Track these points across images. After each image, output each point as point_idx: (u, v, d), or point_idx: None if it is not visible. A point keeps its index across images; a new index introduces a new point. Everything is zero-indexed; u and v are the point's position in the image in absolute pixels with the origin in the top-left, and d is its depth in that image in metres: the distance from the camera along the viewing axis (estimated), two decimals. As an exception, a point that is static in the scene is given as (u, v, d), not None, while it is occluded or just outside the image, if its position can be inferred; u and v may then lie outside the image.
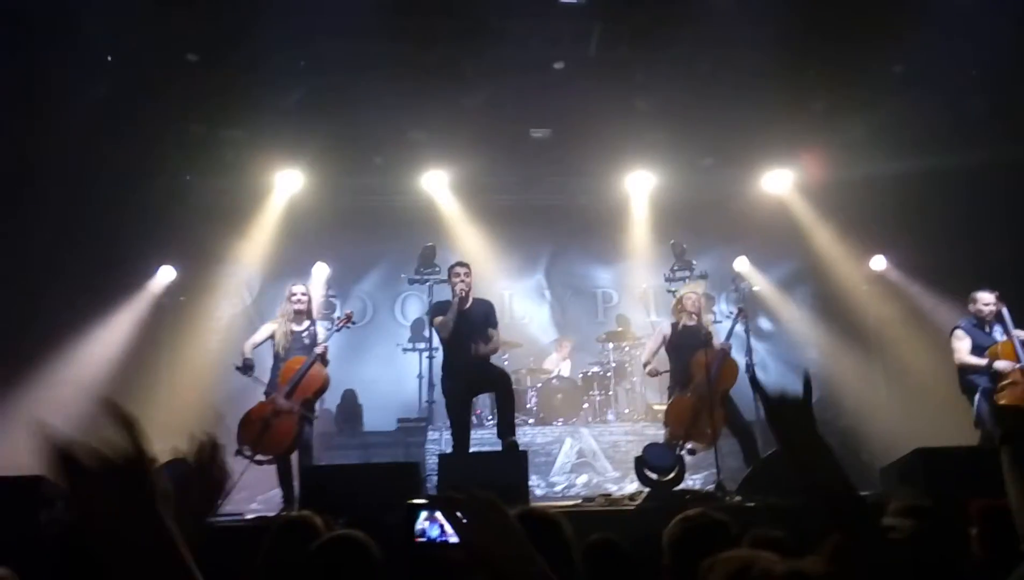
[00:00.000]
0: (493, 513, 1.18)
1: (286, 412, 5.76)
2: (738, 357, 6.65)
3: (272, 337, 6.13)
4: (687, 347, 6.39)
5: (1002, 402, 6.00)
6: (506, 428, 5.85)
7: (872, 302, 9.51)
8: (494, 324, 6.18)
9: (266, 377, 6.07)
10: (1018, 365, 6.05)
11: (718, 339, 6.48)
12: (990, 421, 6.05)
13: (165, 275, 9.09)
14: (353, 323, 6.63)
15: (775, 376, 9.52)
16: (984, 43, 6.76)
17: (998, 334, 6.26)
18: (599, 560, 2.42)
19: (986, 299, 6.30)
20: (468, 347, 6.04)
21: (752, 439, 6.19)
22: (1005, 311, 6.26)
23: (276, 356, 6.09)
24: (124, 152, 7.84)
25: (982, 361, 6.12)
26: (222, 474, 1.42)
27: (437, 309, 6.31)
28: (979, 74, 7.16)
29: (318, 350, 6.01)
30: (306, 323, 6.20)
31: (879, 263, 9.52)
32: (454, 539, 1.20)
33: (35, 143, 7.02)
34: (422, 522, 1.76)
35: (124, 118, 7.46)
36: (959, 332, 6.36)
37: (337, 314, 7.68)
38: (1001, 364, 6.06)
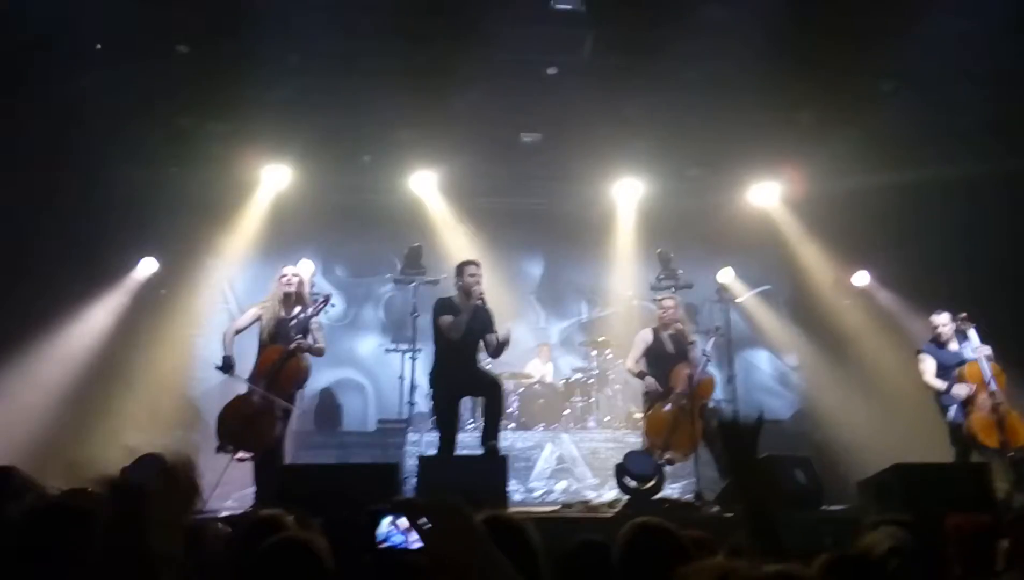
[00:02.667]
0: (458, 518, 1.16)
1: (265, 407, 5.59)
2: (719, 371, 6.69)
3: (259, 320, 5.87)
4: (667, 357, 6.41)
5: (968, 423, 6.08)
6: (490, 433, 5.78)
7: (853, 316, 9.57)
8: (493, 329, 6.04)
9: (248, 373, 5.83)
10: (973, 387, 6.12)
11: (698, 351, 6.49)
12: (961, 440, 6.15)
13: (146, 267, 9.00)
14: (332, 306, 6.26)
15: (747, 391, 9.53)
16: (971, 59, 6.84)
17: (967, 351, 6.32)
18: (586, 563, 2.40)
19: (940, 321, 6.41)
20: (462, 350, 5.90)
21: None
22: (972, 331, 6.32)
23: (261, 343, 5.85)
24: (109, 142, 7.76)
25: (942, 384, 6.21)
26: (191, 488, 1.40)
27: (444, 308, 5.95)
28: (965, 89, 7.24)
29: (292, 346, 5.72)
30: (296, 309, 5.89)
31: (862, 278, 9.60)
32: (418, 544, 1.18)
33: (18, 129, 6.92)
34: (386, 527, 1.74)
35: (111, 107, 7.37)
36: (922, 355, 6.49)
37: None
38: (958, 389, 6.13)
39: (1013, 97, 7.32)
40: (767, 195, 9.62)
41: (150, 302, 8.87)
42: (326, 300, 6.10)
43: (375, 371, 9.76)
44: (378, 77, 7.49)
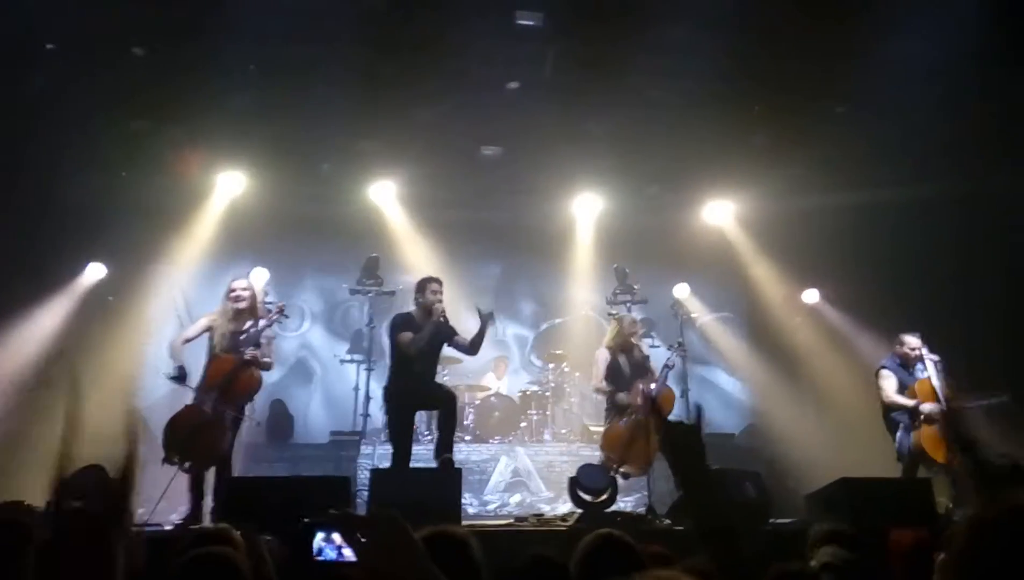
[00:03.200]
0: (395, 532, 1.14)
1: (216, 418, 5.45)
2: (675, 386, 6.75)
3: (209, 331, 5.73)
4: (625, 374, 6.47)
5: (917, 439, 6.27)
6: (444, 447, 5.77)
7: (804, 334, 9.78)
8: (460, 344, 6.11)
9: (196, 381, 5.67)
10: (942, 408, 6.28)
11: (655, 365, 6.55)
12: (909, 455, 6.31)
13: (94, 273, 8.75)
14: (286, 317, 6.14)
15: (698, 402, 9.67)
16: (924, 83, 7.08)
17: (920, 374, 6.56)
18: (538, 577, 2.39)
19: (913, 343, 6.60)
20: (421, 365, 5.93)
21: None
22: (926, 352, 6.55)
23: (211, 354, 5.71)
24: (57, 143, 7.55)
25: (909, 401, 6.39)
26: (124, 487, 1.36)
27: (404, 324, 5.95)
28: (918, 113, 7.50)
29: (246, 358, 5.61)
30: (248, 322, 5.75)
31: (812, 296, 9.83)
32: (352, 558, 1.16)
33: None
34: (319, 541, 1.71)
35: (60, 108, 7.18)
36: (885, 371, 6.65)
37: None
38: (927, 407, 6.31)
39: (964, 120, 7.59)
40: (722, 214, 9.80)
41: (98, 309, 8.62)
42: (280, 310, 5.98)
43: (328, 382, 9.62)
44: (339, 86, 7.45)
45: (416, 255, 9.58)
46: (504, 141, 8.79)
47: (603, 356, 6.59)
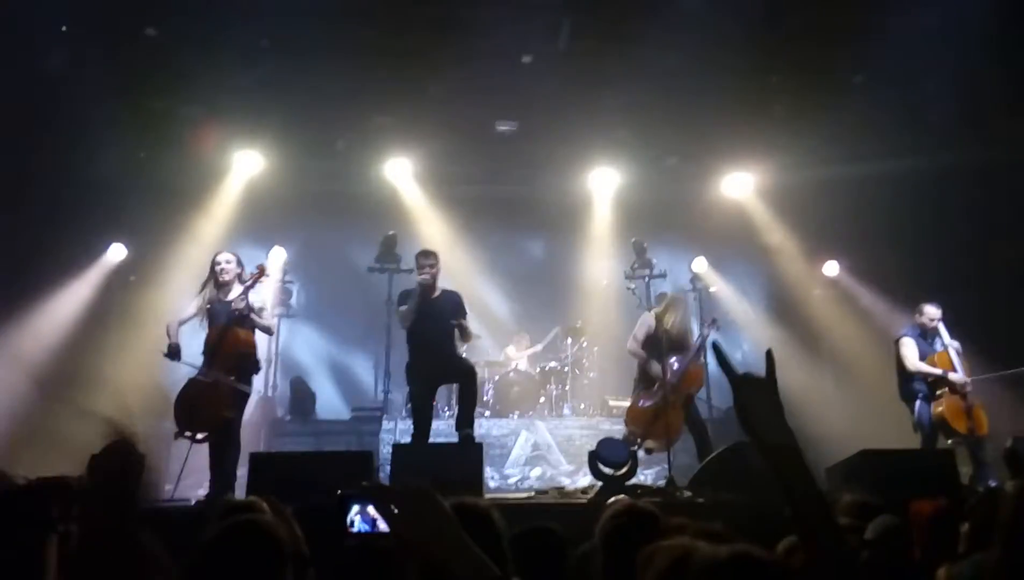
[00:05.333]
0: (427, 504, 1.17)
1: (213, 386, 5.47)
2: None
3: (202, 310, 5.73)
4: (663, 345, 6.32)
5: (938, 409, 6.25)
6: (465, 421, 5.82)
7: (823, 306, 9.72)
8: (464, 315, 6.09)
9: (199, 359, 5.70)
10: (969, 379, 6.31)
11: (695, 340, 6.55)
12: (928, 426, 6.30)
13: (116, 253, 8.85)
14: (266, 276, 5.97)
15: (719, 376, 9.67)
16: (945, 52, 6.95)
17: (938, 346, 6.54)
18: (530, 549, 2.42)
19: (932, 313, 6.57)
20: (434, 338, 5.97)
21: (706, 438, 6.27)
22: (941, 325, 6.54)
23: (207, 326, 5.71)
24: (76, 125, 7.59)
25: (936, 370, 6.35)
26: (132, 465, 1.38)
27: (402, 298, 6.16)
28: (938, 83, 7.37)
29: (235, 312, 5.56)
30: (237, 290, 5.70)
31: (832, 268, 9.74)
32: (386, 530, 1.18)
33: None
34: (354, 514, 1.74)
35: (78, 90, 7.21)
36: (906, 340, 6.58)
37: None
38: (956, 376, 6.28)
39: (983, 88, 7.45)
40: (741, 185, 9.71)
41: (120, 289, 8.73)
42: (260, 271, 5.86)
43: (349, 359, 9.71)
44: (353, 62, 7.42)
45: (432, 232, 9.59)
46: (519, 116, 8.74)
47: (647, 321, 6.48)
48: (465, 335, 6.13)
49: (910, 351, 6.50)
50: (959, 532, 2.55)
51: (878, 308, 8.95)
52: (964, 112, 7.84)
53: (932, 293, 6.87)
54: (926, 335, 6.58)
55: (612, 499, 3.62)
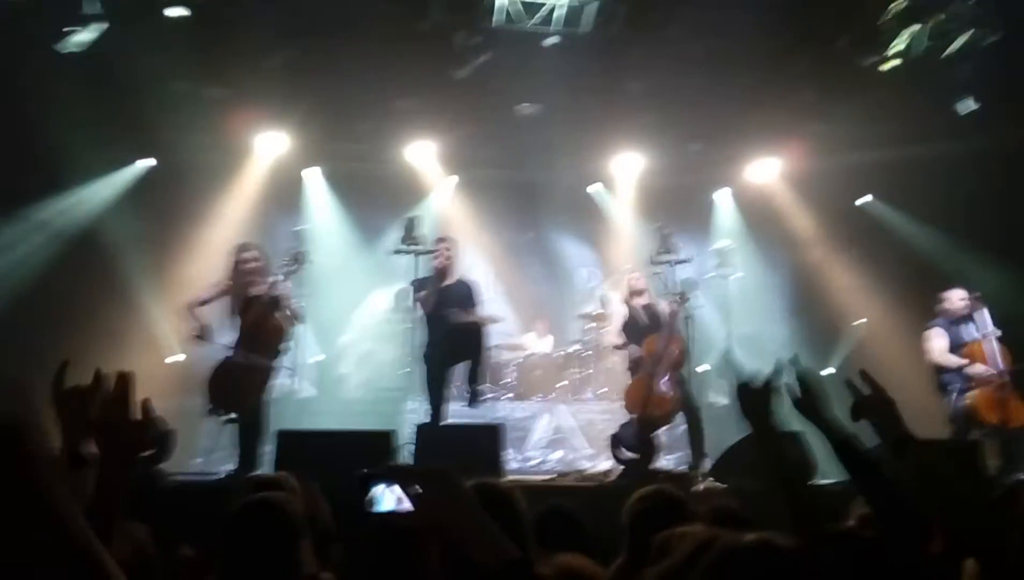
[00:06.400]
0: (449, 484, 1.19)
1: (246, 368, 5.59)
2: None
3: (225, 293, 5.84)
4: (641, 328, 6.51)
5: (968, 401, 6.10)
6: (475, 376, 6.09)
7: (849, 294, 9.59)
8: (474, 304, 6.21)
9: (229, 340, 5.79)
10: (993, 371, 6.10)
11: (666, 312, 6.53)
12: (960, 419, 6.17)
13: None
14: (303, 263, 6.08)
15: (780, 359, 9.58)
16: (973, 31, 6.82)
17: (974, 331, 6.30)
18: (549, 529, 2.45)
19: (954, 297, 6.37)
20: (448, 322, 6.07)
21: (698, 422, 6.27)
22: (984, 311, 6.29)
23: (234, 310, 5.82)
24: (103, 106, 7.67)
25: (959, 362, 6.18)
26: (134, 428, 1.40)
27: (420, 284, 6.33)
28: (970, 64, 7.22)
29: (266, 304, 5.67)
30: (265, 281, 5.81)
31: (859, 254, 9.61)
32: (408, 508, 1.21)
33: (10, 91, 6.83)
34: (378, 492, 1.78)
35: (104, 71, 7.28)
36: (931, 332, 6.41)
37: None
38: (976, 369, 6.13)
39: (1014, 71, 7.27)
40: (767, 171, 9.60)
41: (143, 269, 8.80)
42: (295, 258, 5.95)
43: (374, 339, 9.77)
44: (376, 44, 7.41)
45: (454, 215, 9.60)
46: (542, 99, 8.68)
47: (619, 314, 6.77)
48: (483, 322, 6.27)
49: (935, 343, 6.34)
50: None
51: (909, 296, 8.82)
52: (1002, 94, 7.64)
53: (965, 278, 6.71)
54: (956, 323, 6.37)
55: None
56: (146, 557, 2.02)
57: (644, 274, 6.94)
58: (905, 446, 1.48)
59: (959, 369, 6.20)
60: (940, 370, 6.32)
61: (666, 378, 6.18)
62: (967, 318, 6.35)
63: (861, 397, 1.53)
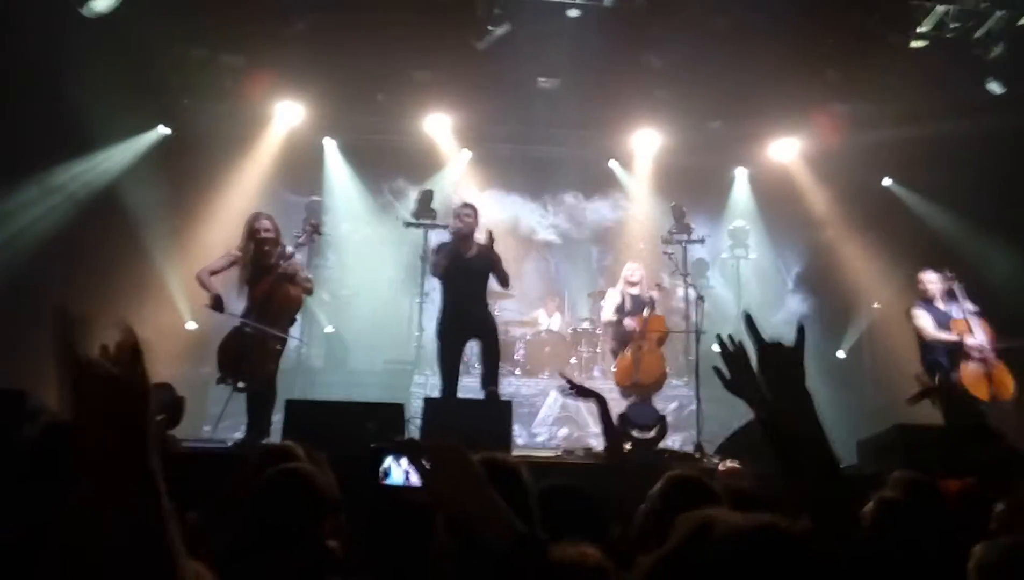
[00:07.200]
0: (458, 459, 1.19)
1: (259, 340, 5.59)
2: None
3: (236, 263, 5.77)
4: (626, 313, 7.16)
5: (961, 377, 6.12)
6: (489, 379, 5.89)
7: (863, 276, 9.52)
8: (498, 268, 6.10)
9: (241, 310, 5.78)
10: (983, 344, 6.14)
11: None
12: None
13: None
14: (319, 234, 6.13)
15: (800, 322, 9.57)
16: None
17: (955, 311, 6.37)
18: (557, 506, 2.45)
19: (930, 278, 6.45)
20: (465, 293, 6.01)
21: None
22: (961, 289, 6.38)
23: (246, 281, 5.76)
24: (121, 71, 7.65)
25: (952, 336, 6.20)
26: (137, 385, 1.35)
27: (435, 251, 6.35)
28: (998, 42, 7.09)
29: (279, 273, 5.65)
30: (278, 248, 5.80)
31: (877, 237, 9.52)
32: (417, 483, 1.21)
33: (25, 56, 6.81)
34: (387, 465, 1.79)
35: (123, 37, 7.25)
36: (918, 311, 6.45)
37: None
38: (972, 340, 6.13)
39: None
40: (787, 151, 9.49)
41: (159, 238, 8.83)
42: (313, 228, 6.01)
43: (384, 312, 9.81)
44: (397, 13, 7.34)
45: (471, 189, 9.55)
46: (562, 73, 8.58)
47: (611, 297, 7.40)
48: (503, 282, 6.20)
49: (924, 322, 6.35)
50: (991, 510, 2.52)
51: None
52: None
53: (981, 259, 6.70)
54: (933, 302, 6.42)
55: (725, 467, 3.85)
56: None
57: (642, 266, 7.58)
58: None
59: (953, 344, 6.19)
60: (926, 351, 6.32)
61: (650, 351, 6.95)
62: (947, 298, 6.41)
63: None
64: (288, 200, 9.26)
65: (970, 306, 6.33)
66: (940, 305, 6.41)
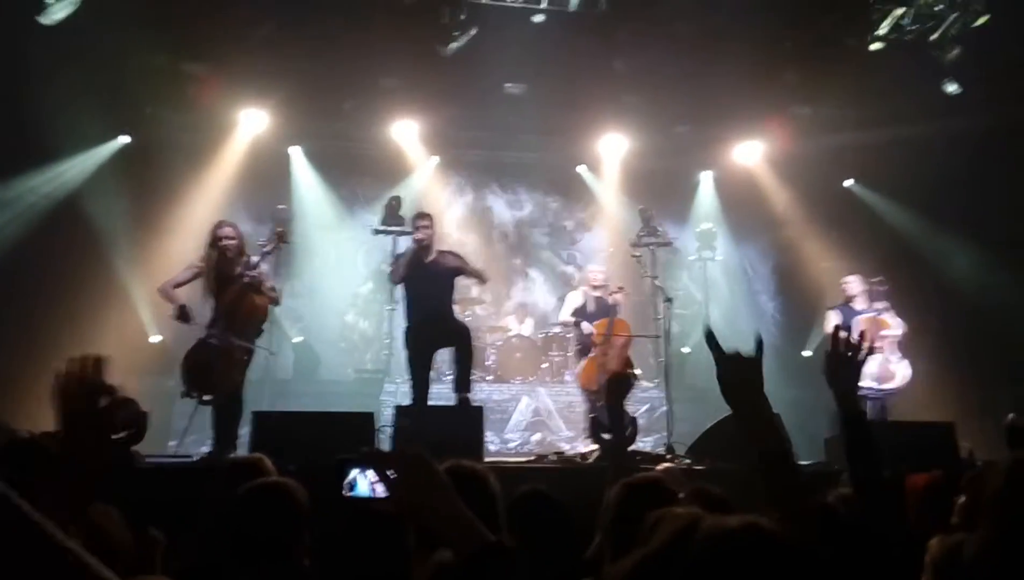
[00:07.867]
0: (422, 467, 1.18)
1: (225, 350, 5.46)
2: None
3: (200, 275, 5.62)
4: (586, 314, 7.05)
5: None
6: (462, 384, 5.86)
7: (831, 276, 9.67)
8: (466, 264, 6.15)
9: (206, 320, 5.60)
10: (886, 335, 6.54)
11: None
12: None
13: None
14: (285, 242, 5.96)
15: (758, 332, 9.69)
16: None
17: (868, 312, 6.68)
18: (527, 511, 2.44)
19: (847, 280, 6.86)
20: (430, 300, 5.99)
21: None
22: (877, 292, 6.70)
23: (210, 291, 5.62)
24: (83, 80, 7.50)
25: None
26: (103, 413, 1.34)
27: (394, 260, 6.32)
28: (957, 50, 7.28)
29: (244, 283, 5.52)
30: (242, 260, 5.65)
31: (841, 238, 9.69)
32: (383, 493, 1.19)
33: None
34: (352, 478, 1.77)
35: (84, 45, 7.11)
36: (829, 313, 6.80)
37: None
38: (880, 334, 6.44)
39: (997, 51, 7.33)
40: (751, 154, 9.62)
41: (122, 250, 8.66)
42: (279, 237, 5.83)
43: (353, 320, 9.74)
44: (361, 19, 7.30)
45: (439, 196, 9.53)
46: (529, 78, 8.61)
47: (572, 298, 7.34)
48: (479, 278, 6.29)
49: (827, 324, 6.72)
50: (954, 504, 2.57)
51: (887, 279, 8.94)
52: (981, 75, 7.69)
53: (944, 258, 6.87)
54: (853, 303, 6.72)
55: (660, 467, 3.86)
56: (114, 540, 2.00)
57: (604, 269, 7.61)
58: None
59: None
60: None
61: (616, 356, 6.79)
62: (869, 299, 6.71)
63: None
64: (253, 209, 9.14)
65: (880, 304, 6.67)
66: (858, 305, 6.72)
